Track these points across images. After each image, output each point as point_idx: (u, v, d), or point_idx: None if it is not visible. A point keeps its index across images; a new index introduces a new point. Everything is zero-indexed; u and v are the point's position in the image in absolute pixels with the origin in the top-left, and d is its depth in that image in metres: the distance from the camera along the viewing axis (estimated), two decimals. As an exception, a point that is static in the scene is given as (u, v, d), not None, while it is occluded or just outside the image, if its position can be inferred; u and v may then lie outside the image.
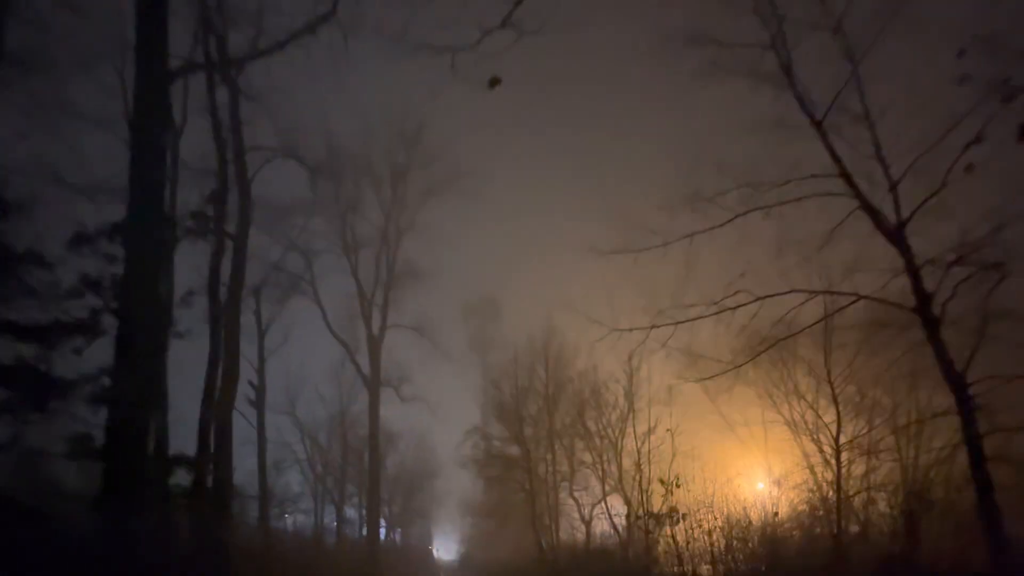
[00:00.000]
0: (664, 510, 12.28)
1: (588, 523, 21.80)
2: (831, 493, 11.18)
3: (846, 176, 9.28)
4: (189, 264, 14.50)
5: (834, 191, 9.43)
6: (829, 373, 11.05)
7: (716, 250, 10.31)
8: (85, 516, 7.65)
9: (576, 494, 22.47)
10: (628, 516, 18.21)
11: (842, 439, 10.79)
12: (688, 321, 10.29)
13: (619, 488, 18.76)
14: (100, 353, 9.41)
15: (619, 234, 10.76)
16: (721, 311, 10.01)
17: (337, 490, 32.46)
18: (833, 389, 10.98)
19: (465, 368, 32.71)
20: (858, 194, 9.23)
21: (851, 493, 10.70)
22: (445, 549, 60.93)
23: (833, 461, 14.84)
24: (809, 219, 9.65)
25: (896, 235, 8.98)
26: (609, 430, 19.62)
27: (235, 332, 13.35)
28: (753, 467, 15.42)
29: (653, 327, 10.46)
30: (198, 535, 9.98)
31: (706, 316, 10.16)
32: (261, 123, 15.69)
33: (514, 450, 23.43)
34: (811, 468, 13.10)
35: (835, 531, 10.22)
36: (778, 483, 13.13)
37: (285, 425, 30.73)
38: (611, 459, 19.22)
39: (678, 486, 12.33)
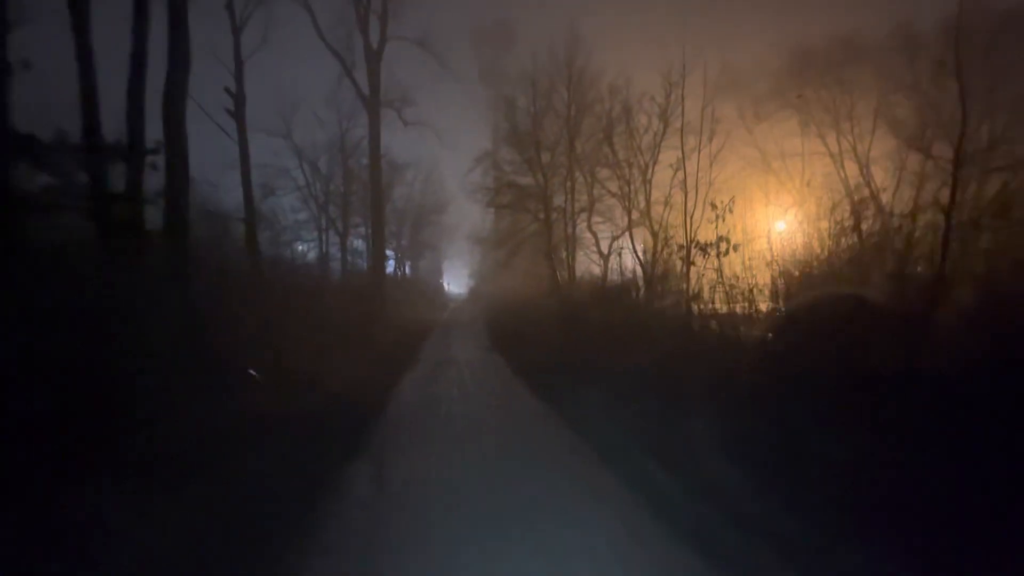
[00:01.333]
0: (710, 240, 10.19)
1: (607, 256, 20.28)
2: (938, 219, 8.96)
3: None
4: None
5: None
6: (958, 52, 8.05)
7: None
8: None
9: (595, 228, 20.71)
10: (655, 249, 16.47)
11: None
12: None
13: (646, 219, 16.80)
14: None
15: None
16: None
17: (341, 220, 30.95)
18: (961, 77, 8.11)
19: (474, 98, 29.52)
20: None
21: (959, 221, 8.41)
22: (455, 283, 62.38)
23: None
24: None
25: None
26: (639, 155, 17.18)
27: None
28: (792, 204, 13.45)
29: None
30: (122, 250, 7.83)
31: None
32: None
33: (528, 180, 21.21)
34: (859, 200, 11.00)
35: (939, 264, 8.06)
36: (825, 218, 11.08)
37: (281, 149, 28.48)
38: (639, 188, 17.04)
39: (731, 211, 10.12)
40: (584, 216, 20.58)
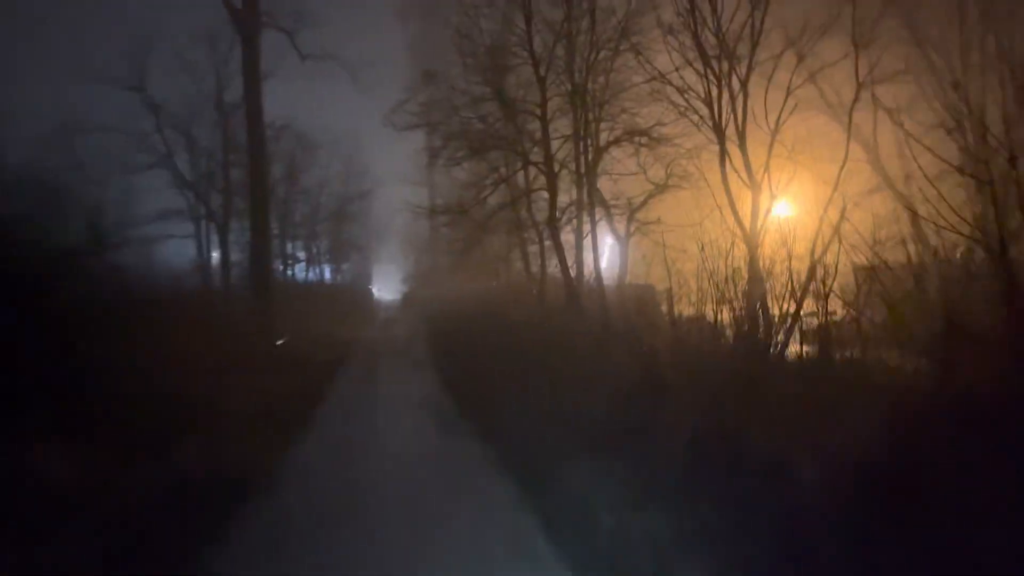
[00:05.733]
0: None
1: (625, 239, 12.36)
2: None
3: None
4: None
5: None
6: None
7: None
8: None
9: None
10: (752, 214, 8.66)
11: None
12: None
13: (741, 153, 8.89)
14: None
15: None
16: None
17: (223, 207, 21.88)
18: None
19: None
20: None
21: None
22: (387, 289, 53.48)
23: None
24: None
25: None
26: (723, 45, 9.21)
27: None
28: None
29: None
30: None
31: None
32: None
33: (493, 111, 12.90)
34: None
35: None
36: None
37: (136, 107, 19.09)
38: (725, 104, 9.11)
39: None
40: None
